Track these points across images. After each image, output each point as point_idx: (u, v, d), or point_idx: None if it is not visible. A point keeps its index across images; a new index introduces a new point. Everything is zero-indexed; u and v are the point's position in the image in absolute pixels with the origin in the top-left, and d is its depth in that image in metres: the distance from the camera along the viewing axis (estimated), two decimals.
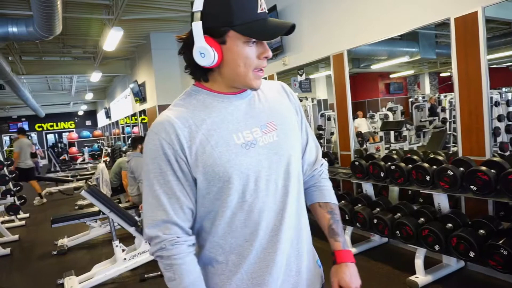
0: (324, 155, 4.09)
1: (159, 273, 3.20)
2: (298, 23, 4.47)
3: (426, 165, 2.75)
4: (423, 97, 9.71)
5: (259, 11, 0.82)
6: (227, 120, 0.87)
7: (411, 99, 10.01)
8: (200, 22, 0.81)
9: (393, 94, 12.03)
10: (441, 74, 11.59)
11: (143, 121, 10.52)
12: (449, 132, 5.95)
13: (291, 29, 0.83)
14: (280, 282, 0.91)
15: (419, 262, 2.67)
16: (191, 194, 0.87)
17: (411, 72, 11.50)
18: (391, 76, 11.66)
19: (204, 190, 0.86)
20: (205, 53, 0.82)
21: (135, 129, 12.06)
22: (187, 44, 0.87)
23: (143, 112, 9.85)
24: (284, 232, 0.90)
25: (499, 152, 3.94)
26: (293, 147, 0.94)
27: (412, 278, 2.66)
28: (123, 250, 3.28)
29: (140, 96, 9.33)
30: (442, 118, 7.86)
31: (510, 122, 4.60)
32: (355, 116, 8.32)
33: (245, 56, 0.83)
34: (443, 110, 8.01)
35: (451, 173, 2.50)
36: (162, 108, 8.37)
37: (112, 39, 6.48)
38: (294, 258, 0.94)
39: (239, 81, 0.87)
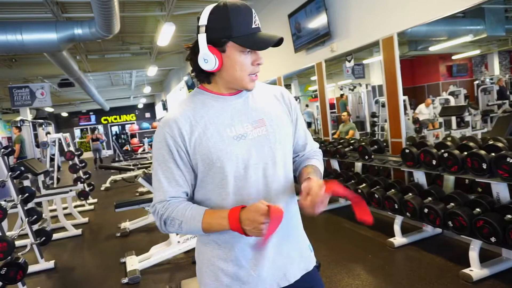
0: (373, 142, 3.97)
1: None
2: (345, 7, 4.35)
3: (482, 152, 2.57)
4: (491, 79, 8.90)
5: (253, 26, 0.96)
6: (222, 116, 1.02)
7: (477, 82, 9.23)
8: (205, 34, 0.96)
9: (456, 77, 11.16)
10: None
11: None
12: None
13: (279, 41, 0.97)
14: (271, 261, 1.03)
15: (473, 255, 2.53)
16: (188, 180, 1.02)
17: (477, 52, 10.56)
18: (453, 57, 10.81)
19: (202, 174, 1.01)
20: (208, 59, 0.97)
21: None
22: (193, 52, 1.02)
23: None
24: None
25: None
26: (280, 140, 1.05)
27: (466, 271, 2.53)
28: (177, 234, 3.50)
29: (193, 87, 9.71)
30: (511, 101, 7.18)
31: None
32: (412, 102, 7.94)
33: (241, 63, 0.97)
34: None
35: (511, 161, 2.32)
36: None
37: (165, 34, 6.79)
38: (284, 241, 1.05)
39: (236, 83, 1.01)
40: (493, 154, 2.53)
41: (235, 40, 0.94)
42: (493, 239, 2.36)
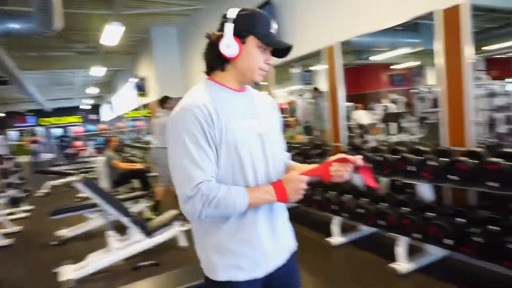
0: (316, 146, 4.13)
1: (153, 262, 3.30)
2: (291, 15, 4.49)
3: (411, 155, 2.78)
4: (428, 88, 9.58)
5: (271, 30, 1.15)
6: (235, 109, 1.13)
7: (413, 90, 9.91)
8: (232, 25, 1.10)
9: (398, 85, 11.90)
10: None
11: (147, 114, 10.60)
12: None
13: (289, 48, 1.17)
14: (275, 240, 1.19)
15: (400, 250, 2.73)
16: (216, 161, 1.09)
17: (416, 63, 11.35)
18: (394, 67, 11.53)
19: (223, 161, 1.09)
20: (231, 45, 1.10)
21: (138, 122, 12.18)
22: (213, 42, 1.13)
23: (146, 105, 9.94)
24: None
25: (498, 142, 3.91)
26: (276, 140, 1.23)
27: (393, 265, 2.72)
28: (117, 240, 3.38)
29: (142, 89, 9.42)
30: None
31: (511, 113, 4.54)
32: (351, 108, 8.33)
33: (257, 55, 1.13)
34: None
35: (432, 164, 2.54)
36: None
37: (112, 34, 6.55)
38: (282, 221, 1.26)
39: (247, 74, 1.15)
40: (422, 157, 2.74)
41: (257, 36, 1.10)
42: (417, 236, 2.56)
